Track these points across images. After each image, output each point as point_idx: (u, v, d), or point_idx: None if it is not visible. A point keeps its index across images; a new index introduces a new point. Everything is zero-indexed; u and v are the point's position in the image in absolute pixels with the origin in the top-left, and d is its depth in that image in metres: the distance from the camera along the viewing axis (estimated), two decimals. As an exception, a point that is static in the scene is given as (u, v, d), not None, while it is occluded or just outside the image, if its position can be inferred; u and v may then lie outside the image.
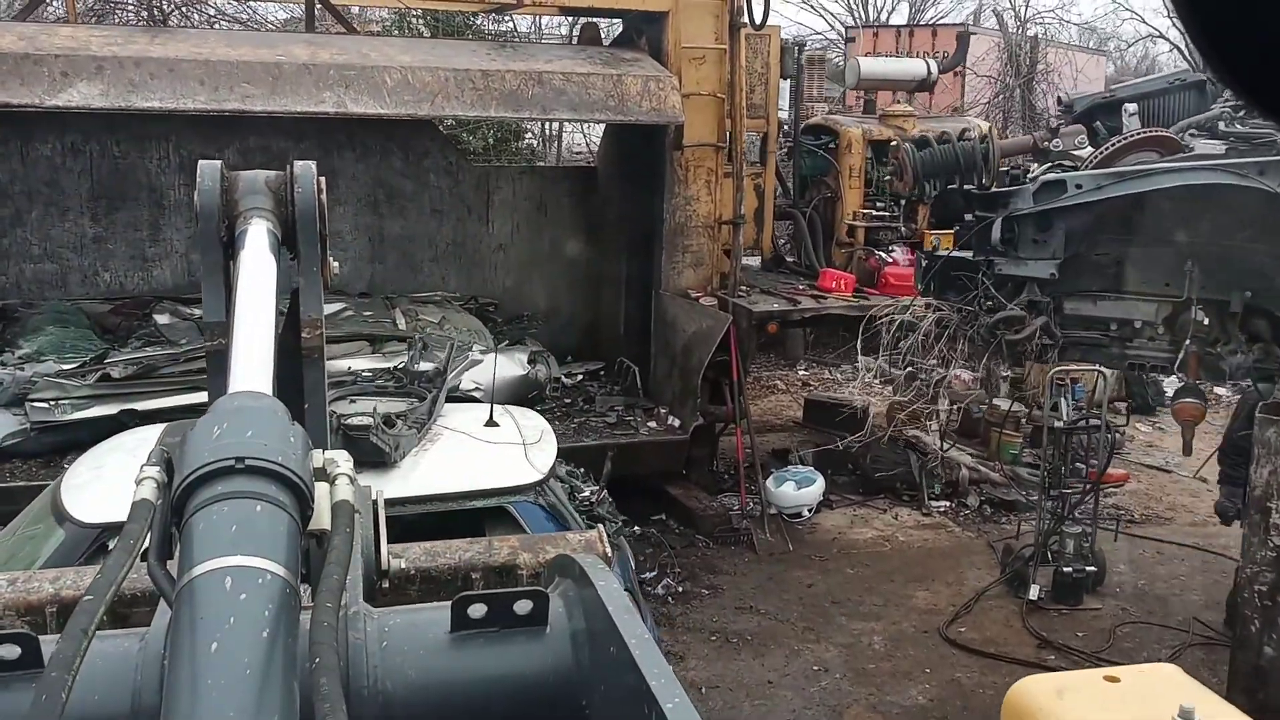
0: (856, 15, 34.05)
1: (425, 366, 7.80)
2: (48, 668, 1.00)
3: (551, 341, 10.25)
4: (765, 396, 13.25)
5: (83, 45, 7.56)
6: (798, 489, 9.35)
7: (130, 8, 12.58)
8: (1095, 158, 4.43)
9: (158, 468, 1.27)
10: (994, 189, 4.70)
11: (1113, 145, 4.38)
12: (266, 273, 1.68)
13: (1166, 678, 3.41)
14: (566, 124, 17.05)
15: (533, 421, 6.05)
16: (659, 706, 1.17)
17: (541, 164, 15.74)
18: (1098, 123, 4.75)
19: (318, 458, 1.33)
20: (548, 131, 17.00)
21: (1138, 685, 3.30)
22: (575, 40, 10.72)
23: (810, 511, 9.36)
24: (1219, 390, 11.38)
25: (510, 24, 14.43)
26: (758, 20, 9.26)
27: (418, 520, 4.93)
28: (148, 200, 9.83)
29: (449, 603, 1.38)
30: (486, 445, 5.72)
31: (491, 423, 5.84)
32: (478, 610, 1.37)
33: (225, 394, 1.39)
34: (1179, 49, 30.88)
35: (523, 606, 1.38)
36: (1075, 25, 24.55)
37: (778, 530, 9.00)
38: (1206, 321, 4.20)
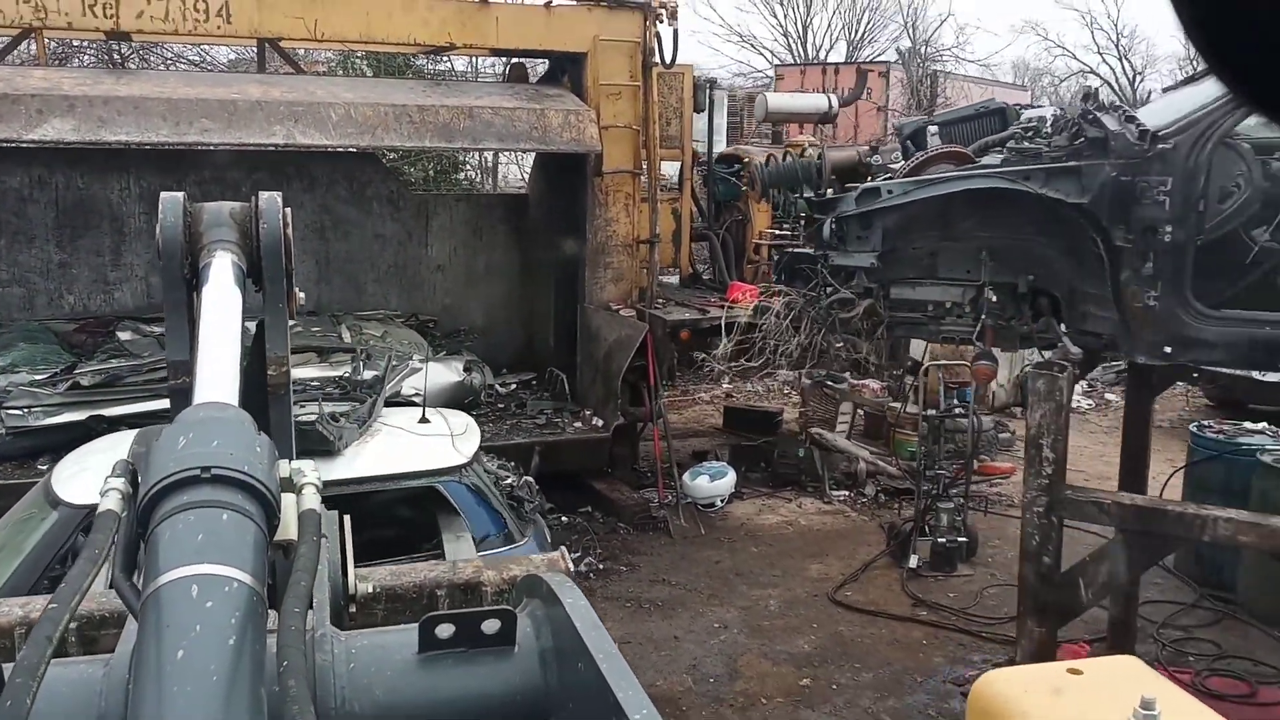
0: (796, 53, 35.59)
1: (367, 375, 8.68)
2: (11, 674, 0.99)
3: (488, 355, 11.15)
4: (690, 406, 14.25)
5: (55, 85, 8.42)
6: (711, 481, 10.32)
7: (90, 51, 13.41)
8: (903, 170, 5.47)
9: (122, 479, 1.27)
10: (827, 196, 5.74)
11: (916, 160, 5.41)
12: (231, 306, 1.66)
13: (1128, 669, 3.50)
14: (502, 158, 18.09)
15: (460, 419, 7.03)
16: (627, 718, 1.18)
17: (477, 192, 16.79)
18: (908, 141, 5.79)
19: (284, 468, 1.33)
20: (484, 164, 18.02)
21: (1100, 677, 3.35)
22: (505, 79, 11.72)
23: (722, 502, 10.32)
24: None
25: (448, 64, 15.43)
26: (668, 60, 10.31)
27: (363, 497, 5.86)
28: (109, 228, 10.65)
29: (416, 624, 1.38)
30: (418, 436, 6.70)
31: (424, 419, 6.81)
32: (445, 630, 1.37)
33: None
34: (1109, 84, 32.67)
35: (490, 626, 1.38)
36: (972, 63, 26.09)
37: (692, 518, 9.95)
38: (997, 300, 5.23)
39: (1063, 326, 5.26)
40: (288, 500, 1.30)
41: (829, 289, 5.39)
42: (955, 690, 6.98)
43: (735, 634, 7.77)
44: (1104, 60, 35.79)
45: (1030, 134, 5.32)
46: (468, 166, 17.50)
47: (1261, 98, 0.73)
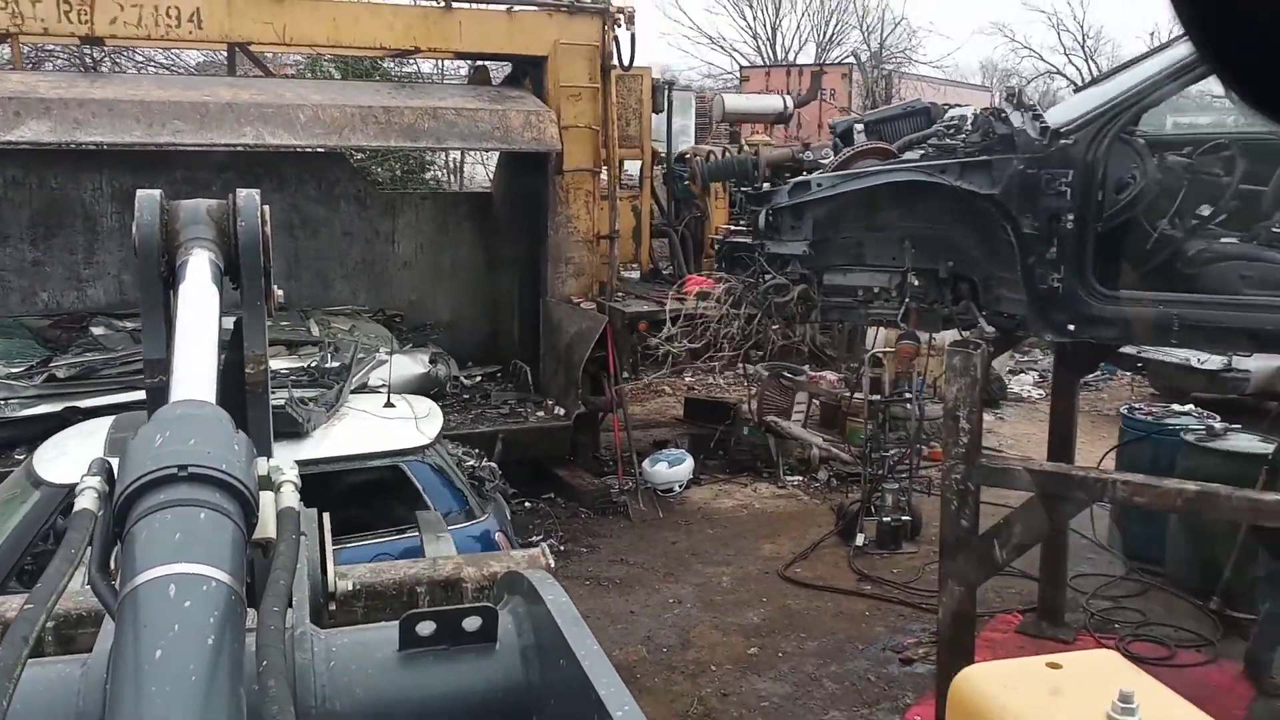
0: (765, 55, 36.12)
1: (334, 365, 9.03)
2: None
3: (453, 348, 11.50)
4: (653, 399, 14.66)
5: (31, 89, 8.71)
6: (670, 468, 10.73)
7: (62, 56, 13.67)
8: (832, 165, 5.89)
9: (98, 478, 1.25)
10: (763, 189, 6.15)
11: (843, 155, 5.84)
12: (209, 304, 1.65)
13: (1107, 663, 3.54)
14: (469, 158, 18.47)
15: (423, 404, 7.41)
16: (609, 715, 1.18)
17: (443, 191, 17.16)
18: (838, 139, 6.21)
19: (262, 465, 1.32)
20: (451, 164, 18.38)
21: (1079, 671, 3.36)
22: (469, 81, 12.08)
23: (681, 487, 10.72)
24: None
25: (415, 67, 15.78)
26: (626, 63, 10.71)
27: (331, 477, 6.22)
28: (82, 227, 10.92)
29: (396, 621, 1.38)
30: (383, 420, 7.07)
31: (389, 404, 7.17)
32: (426, 628, 1.37)
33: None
34: (1075, 85, 33.38)
35: (471, 623, 1.39)
36: (926, 65, 26.73)
37: (651, 502, 10.36)
38: (920, 285, 5.65)
39: (981, 309, 5.69)
40: (266, 498, 1.29)
41: (766, 275, 5.80)
42: (894, 656, 7.42)
43: (689, 608, 8.17)
44: (1070, 61, 36.55)
45: (951, 131, 5.75)
46: (434, 167, 17.87)
47: (1262, 98, 0.73)
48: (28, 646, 1.02)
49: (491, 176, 14.45)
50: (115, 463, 1.26)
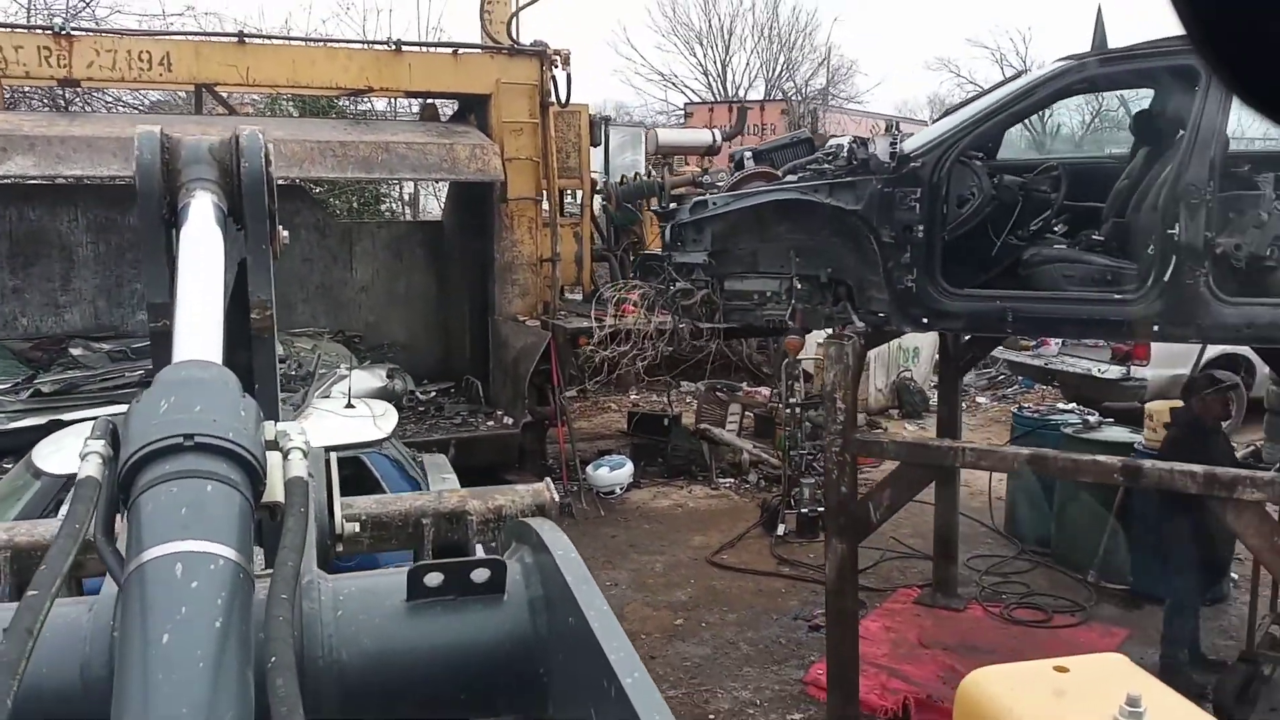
0: (716, 91, 37.30)
1: (300, 373, 9.89)
2: None
3: (409, 367, 12.35)
4: (600, 414, 15.57)
5: (16, 127, 9.53)
6: (611, 472, 11.62)
7: (35, 96, 14.50)
8: (725, 187, 6.86)
9: (103, 440, 1.23)
10: (669, 208, 7.11)
11: (735, 178, 6.80)
12: (213, 247, 1.60)
13: (1114, 667, 3.56)
14: (423, 190, 19.42)
15: (381, 405, 8.28)
16: (618, 680, 1.16)
17: (397, 220, 18.09)
18: (733, 166, 7.19)
19: (269, 430, 1.29)
20: (405, 197, 19.32)
21: (1086, 675, 3.38)
22: (420, 118, 13.02)
23: (622, 489, 11.61)
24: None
25: (369, 105, 16.72)
26: (563, 100, 11.69)
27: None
28: (59, 256, 11.71)
29: (404, 569, 1.36)
30: (344, 418, 7.94)
31: (349, 405, 8.04)
32: (434, 579, 1.35)
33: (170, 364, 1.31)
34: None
35: (480, 575, 1.36)
36: (854, 102, 28.10)
37: (594, 503, 11.23)
38: (804, 289, 6.61)
39: (856, 308, 6.66)
40: (274, 460, 1.26)
41: (674, 282, 6.73)
42: (804, 624, 8.32)
43: (624, 590, 9.04)
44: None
45: (828, 158, 6.74)
46: (390, 199, 18.83)
47: (1263, 98, 0.72)
48: (32, 640, 0.99)
49: (443, 207, 15.38)
50: (119, 424, 1.24)
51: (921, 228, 6.05)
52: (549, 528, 1.52)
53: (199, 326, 1.43)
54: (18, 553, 1.82)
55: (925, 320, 6.19)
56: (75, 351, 10.85)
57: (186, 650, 1.00)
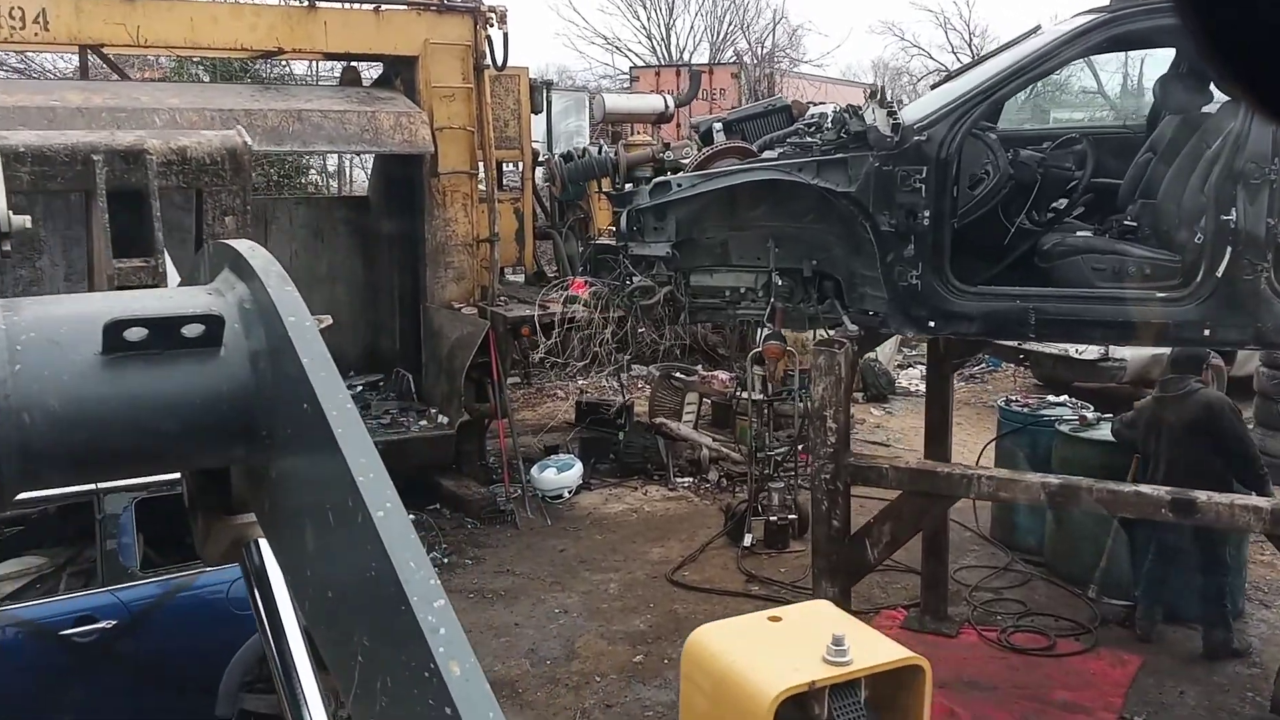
0: (660, 55, 36.14)
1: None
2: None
3: (334, 357, 11.14)
4: (545, 403, 14.48)
5: None
6: (558, 474, 10.56)
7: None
8: (692, 165, 5.80)
9: None
10: (624, 189, 6.04)
11: (703, 155, 5.75)
12: None
13: (822, 612, 3.86)
14: (355, 162, 18.03)
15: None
16: (332, 432, 1.11)
17: (317, 196, 16.73)
18: (698, 139, 6.14)
19: None
20: (329, 169, 17.94)
21: (797, 621, 3.71)
22: (340, 83, 11.75)
23: (570, 493, 10.56)
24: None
25: (287, 69, 15.35)
26: (499, 63, 10.50)
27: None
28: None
29: (94, 318, 1.19)
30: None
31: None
32: (136, 334, 1.20)
33: None
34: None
35: (193, 330, 1.23)
36: (806, 63, 27.11)
37: (539, 509, 10.17)
38: (785, 284, 5.59)
39: (846, 307, 5.64)
40: None
41: (632, 278, 5.68)
42: (779, 657, 7.36)
43: (575, 618, 8.02)
44: (958, 59, 37.20)
45: (812, 130, 5.69)
46: (312, 170, 17.41)
47: (1264, 99, 0.71)
48: None
49: (368, 181, 14.13)
50: None
51: (928, 213, 5.05)
52: (262, 256, 1.33)
53: None
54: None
55: (932, 323, 5.21)
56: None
57: None
